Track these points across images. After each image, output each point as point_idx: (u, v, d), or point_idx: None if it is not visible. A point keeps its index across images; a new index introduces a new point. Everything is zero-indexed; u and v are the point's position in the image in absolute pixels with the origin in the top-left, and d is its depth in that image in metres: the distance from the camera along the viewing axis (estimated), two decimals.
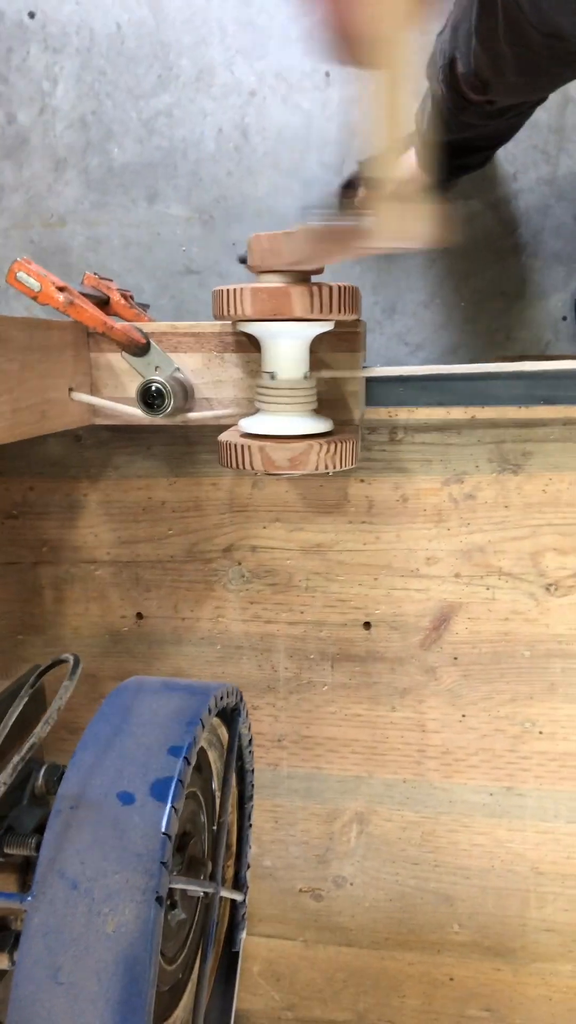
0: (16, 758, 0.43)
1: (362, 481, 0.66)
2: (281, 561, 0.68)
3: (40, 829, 0.45)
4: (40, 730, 0.45)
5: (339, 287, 0.47)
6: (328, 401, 0.56)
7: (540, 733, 0.67)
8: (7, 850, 0.47)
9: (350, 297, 0.48)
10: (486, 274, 1.42)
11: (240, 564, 0.69)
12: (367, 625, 0.68)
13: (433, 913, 0.73)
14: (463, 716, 0.68)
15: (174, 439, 0.67)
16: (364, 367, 0.57)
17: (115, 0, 1.43)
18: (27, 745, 0.44)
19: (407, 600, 0.67)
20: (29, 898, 0.38)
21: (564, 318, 1.44)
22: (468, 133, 0.92)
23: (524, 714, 0.67)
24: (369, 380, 0.59)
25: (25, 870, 0.50)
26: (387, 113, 0.46)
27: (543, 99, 0.87)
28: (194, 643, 0.71)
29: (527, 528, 0.64)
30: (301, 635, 0.69)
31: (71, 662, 0.49)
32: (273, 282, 0.47)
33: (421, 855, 0.72)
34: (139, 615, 0.71)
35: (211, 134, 1.44)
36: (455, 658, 0.67)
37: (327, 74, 1.39)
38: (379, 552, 0.67)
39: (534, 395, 0.60)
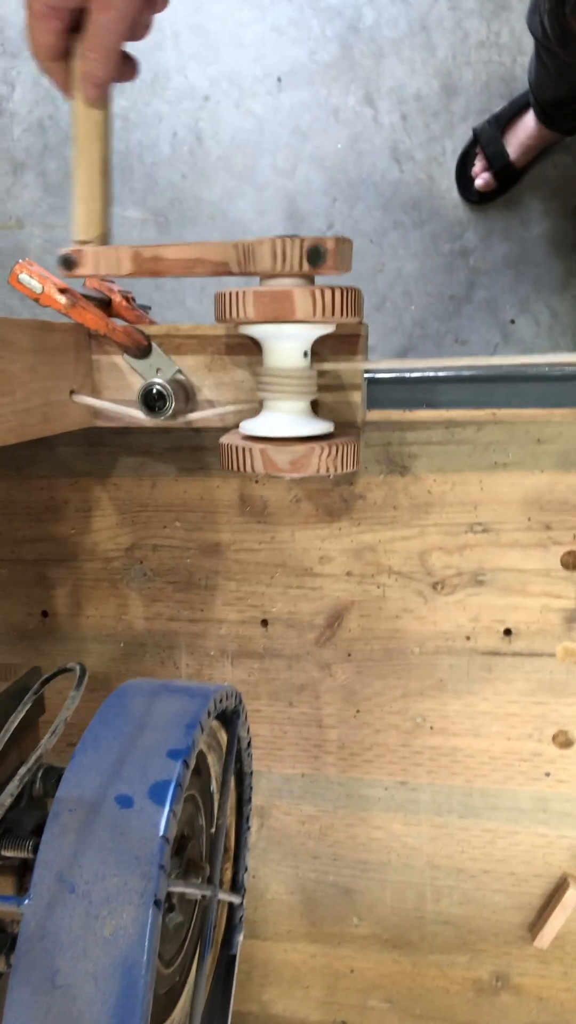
0: (23, 770, 0.44)
1: (257, 482, 0.67)
2: (181, 560, 0.70)
3: (38, 831, 0.45)
4: (47, 742, 0.45)
5: (342, 290, 0.47)
6: (329, 404, 0.57)
7: (431, 729, 0.69)
8: (4, 852, 0.46)
9: (352, 300, 0.47)
10: (435, 278, 1.44)
11: (142, 563, 0.70)
12: (264, 623, 0.70)
13: (333, 906, 0.74)
14: (357, 712, 0.70)
15: (74, 439, 0.68)
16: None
17: None
18: (33, 757, 0.44)
19: (302, 598, 0.69)
20: (26, 901, 0.38)
21: (512, 321, 1.45)
22: (572, 77, 1.01)
23: (415, 709, 0.69)
24: None
25: (22, 872, 0.50)
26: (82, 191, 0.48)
27: None
28: (99, 640, 0.72)
29: (415, 528, 0.66)
30: (201, 632, 0.71)
31: (77, 671, 0.49)
32: (276, 285, 0.47)
33: (320, 849, 0.73)
34: (44, 613, 0.72)
35: (166, 138, 1.46)
36: (349, 655, 0.69)
37: (278, 80, 1.41)
38: (275, 551, 0.68)
39: (415, 399, 0.62)
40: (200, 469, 0.68)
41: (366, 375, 0.58)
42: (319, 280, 0.48)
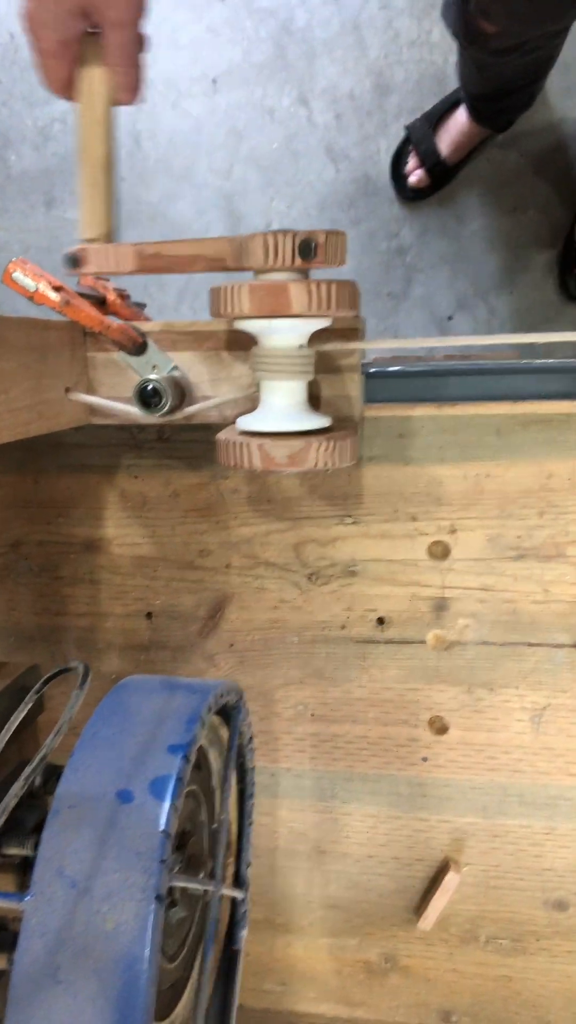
0: (28, 770, 0.44)
1: (136, 478, 0.69)
2: (66, 555, 0.71)
3: (38, 828, 0.45)
4: (51, 742, 0.46)
5: (338, 283, 0.47)
6: (327, 398, 0.57)
7: (312, 716, 0.70)
8: (5, 850, 0.47)
9: (349, 294, 0.48)
10: (373, 276, 1.45)
11: (28, 559, 0.72)
12: (149, 615, 0.71)
13: None
14: None
15: None
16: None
17: (7, 10, 1.46)
18: (37, 758, 0.45)
19: (184, 591, 0.70)
20: (27, 898, 0.38)
21: (450, 318, 1.47)
22: (493, 73, 1.07)
23: (296, 697, 0.70)
24: None
25: (23, 870, 0.50)
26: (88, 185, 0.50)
27: (555, 38, 0.94)
28: None
29: (288, 521, 0.67)
30: (88, 626, 0.72)
31: (80, 671, 0.50)
32: (271, 279, 0.47)
33: None
34: None
35: None
36: (231, 645, 0.70)
37: (214, 81, 1.43)
38: (156, 545, 0.70)
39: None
40: (80, 465, 0.69)
41: (364, 369, 0.58)
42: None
